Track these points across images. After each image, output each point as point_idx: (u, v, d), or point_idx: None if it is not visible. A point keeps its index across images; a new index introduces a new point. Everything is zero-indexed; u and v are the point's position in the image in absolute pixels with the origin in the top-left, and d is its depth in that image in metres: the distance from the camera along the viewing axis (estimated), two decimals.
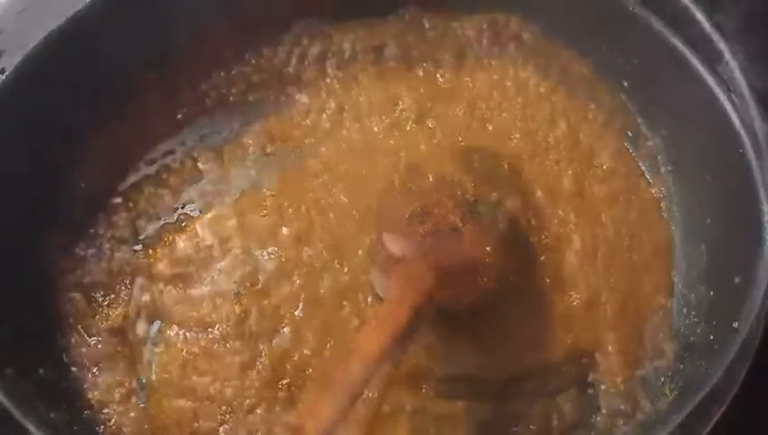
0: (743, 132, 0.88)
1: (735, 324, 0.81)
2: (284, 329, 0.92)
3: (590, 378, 0.93)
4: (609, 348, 0.94)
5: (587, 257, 0.99)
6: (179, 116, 1.07)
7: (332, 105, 1.09)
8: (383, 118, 1.07)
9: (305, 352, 0.91)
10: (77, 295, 0.94)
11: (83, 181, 1.01)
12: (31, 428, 0.72)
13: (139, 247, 0.98)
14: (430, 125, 1.07)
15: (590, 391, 0.91)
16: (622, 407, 0.90)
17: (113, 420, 0.87)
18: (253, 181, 1.03)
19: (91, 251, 0.97)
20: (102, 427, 0.86)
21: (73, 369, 0.90)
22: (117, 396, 0.89)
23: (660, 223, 1.03)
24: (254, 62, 1.11)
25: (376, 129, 1.07)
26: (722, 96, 0.91)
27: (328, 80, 1.11)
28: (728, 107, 0.90)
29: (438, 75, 1.12)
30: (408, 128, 1.07)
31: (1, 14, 0.98)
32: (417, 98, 1.09)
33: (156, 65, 1.08)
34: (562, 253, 0.99)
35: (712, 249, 0.94)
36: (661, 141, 1.05)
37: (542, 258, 0.98)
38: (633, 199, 1.04)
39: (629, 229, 1.01)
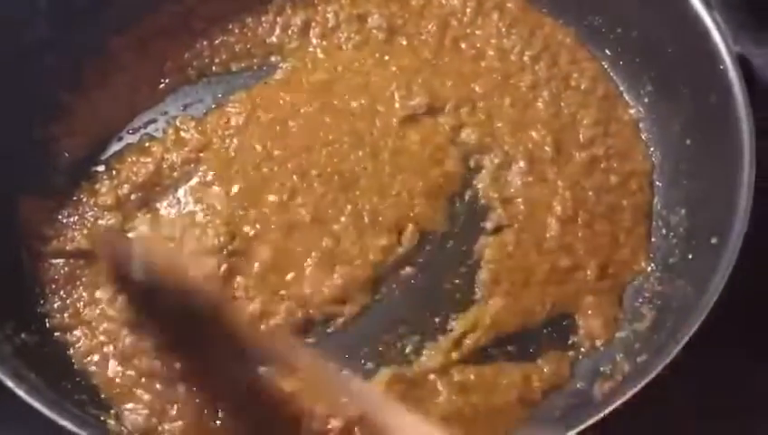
0: (723, 48, 0.91)
1: (714, 240, 0.84)
2: None
3: (571, 340, 0.93)
4: (590, 311, 0.95)
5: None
6: (162, 86, 1.07)
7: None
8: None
9: None
10: (60, 262, 0.94)
11: (66, 150, 1.01)
12: (11, 385, 0.73)
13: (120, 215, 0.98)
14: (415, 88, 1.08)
15: (571, 353, 0.92)
16: (602, 368, 0.91)
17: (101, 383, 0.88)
18: None
19: (73, 219, 0.97)
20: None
21: (56, 334, 0.90)
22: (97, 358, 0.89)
23: (640, 146, 1.04)
24: (237, 31, 1.12)
25: None
26: (703, 13, 0.94)
27: (311, 48, 1.11)
28: (709, 23, 0.93)
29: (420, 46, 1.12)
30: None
31: None
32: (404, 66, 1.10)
33: (138, 36, 1.09)
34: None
35: (691, 171, 0.97)
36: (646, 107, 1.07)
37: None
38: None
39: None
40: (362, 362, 0.89)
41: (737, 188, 0.85)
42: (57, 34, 1.03)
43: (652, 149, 1.05)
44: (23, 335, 0.85)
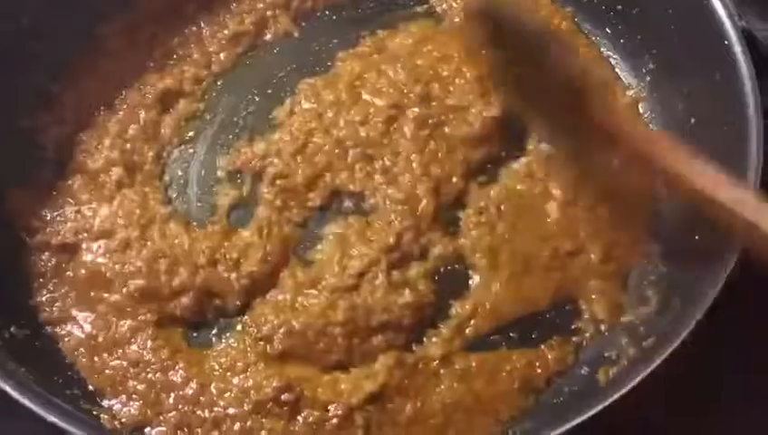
0: (728, 23, 0.89)
1: None
2: None
3: (574, 325, 0.91)
4: (593, 296, 0.93)
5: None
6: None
7: None
8: None
9: None
10: (47, 255, 0.92)
11: (53, 140, 0.99)
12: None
13: None
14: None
15: (575, 338, 0.90)
16: (606, 353, 0.89)
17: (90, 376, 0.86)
18: None
19: (59, 211, 0.94)
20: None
21: (47, 328, 0.88)
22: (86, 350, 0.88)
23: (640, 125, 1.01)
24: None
25: None
26: None
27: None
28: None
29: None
30: None
31: None
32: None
33: (127, 22, 1.07)
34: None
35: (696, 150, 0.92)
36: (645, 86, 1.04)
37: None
38: None
39: None
40: None
41: (745, 166, 0.82)
42: (43, 21, 1.00)
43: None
44: (12, 329, 0.83)
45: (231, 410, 0.84)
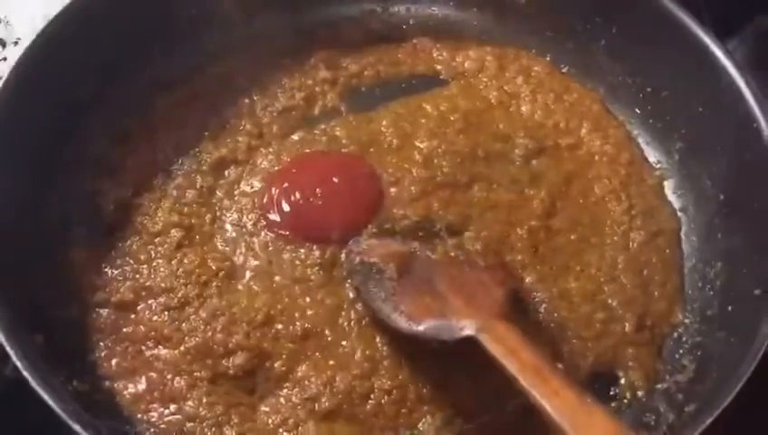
0: (756, 108, 0.94)
1: (757, 292, 0.85)
2: None
3: (612, 392, 0.94)
4: (629, 363, 0.96)
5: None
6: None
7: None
8: None
9: None
10: (105, 312, 0.95)
11: (113, 203, 1.03)
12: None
13: None
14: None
15: (613, 404, 0.93)
16: (645, 419, 0.91)
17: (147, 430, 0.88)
18: None
19: (119, 270, 0.98)
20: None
21: (105, 382, 0.91)
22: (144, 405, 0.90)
23: (665, 206, 1.07)
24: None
25: None
26: (735, 74, 0.97)
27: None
28: (741, 83, 0.96)
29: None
30: None
31: None
32: None
33: (183, 94, 1.13)
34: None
35: (726, 225, 0.99)
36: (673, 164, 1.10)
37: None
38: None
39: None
40: None
41: None
42: (106, 91, 1.06)
43: (683, 204, 1.07)
44: (75, 383, 0.85)
45: None
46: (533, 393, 0.76)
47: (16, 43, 1.20)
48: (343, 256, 0.98)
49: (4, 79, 0.94)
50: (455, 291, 0.89)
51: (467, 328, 0.84)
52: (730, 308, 0.93)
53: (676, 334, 0.98)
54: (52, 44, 0.99)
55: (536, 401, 0.76)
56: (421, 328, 0.87)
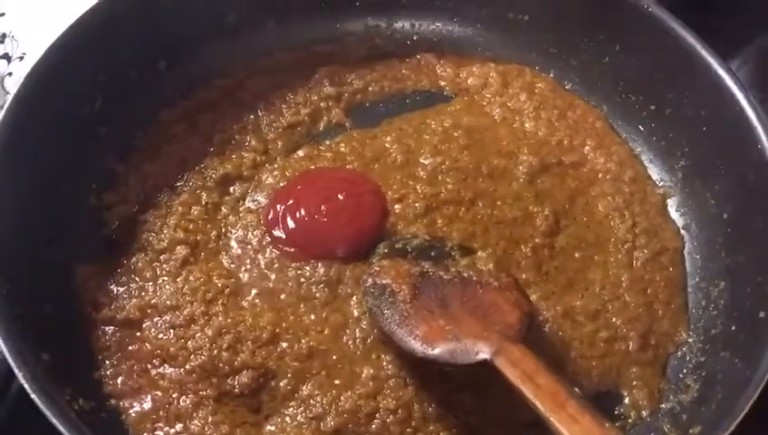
0: (760, 128, 0.95)
1: (762, 314, 0.86)
2: None
3: (616, 411, 0.94)
4: (633, 382, 0.96)
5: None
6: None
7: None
8: None
9: None
10: (111, 330, 0.95)
11: (118, 218, 1.03)
12: None
13: None
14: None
15: (618, 423, 0.93)
16: None
17: None
18: None
19: (124, 288, 0.98)
20: None
21: (111, 401, 0.91)
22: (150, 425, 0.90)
23: (668, 224, 1.08)
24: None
25: None
26: (739, 94, 0.97)
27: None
28: (745, 104, 0.97)
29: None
30: None
31: None
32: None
33: (188, 108, 1.13)
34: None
35: (730, 244, 0.99)
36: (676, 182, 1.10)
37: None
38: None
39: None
40: None
41: None
42: (111, 106, 1.06)
43: (687, 222, 1.08)
44: (80, 401, 0.85)
45: None
46: (551, 419, 0.76)
47: (22, 58, 1.21)
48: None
49: (11, 95, 0.94)
50: (469, 313, 0.89)
51: (483, 352, 0.84)
52: (734, 328, 0.94)
53: (680, 353, 0.99)
54: (60, 61, 0.98)
55: (554, 427, 0.76)
56: (435, 352, 0.86)
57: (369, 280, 0.95)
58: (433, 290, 0.93)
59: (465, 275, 0.95)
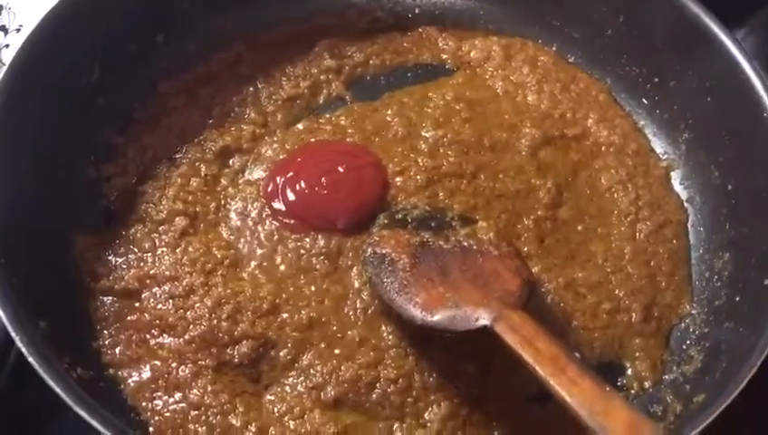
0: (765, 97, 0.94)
1: (767, 281, 0.85)
2: None
3: (619, 382, 0.94)
4: (636, 354, 0.96)
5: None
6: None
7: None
8: None
9: None
10: (109, 300, 0.95)
11: (117, 190, 1.03)
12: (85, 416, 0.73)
13: None
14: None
15: (621, 394, 0.92)
16: (652, 409, 0.91)
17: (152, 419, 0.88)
18: None
19: (123, 258, 0.98)
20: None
21: (109, 370, 0.90)
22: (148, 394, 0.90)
23: (671, 197, 1.07)
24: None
25: None
26: (744, 64, 0.96)
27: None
28: (750, 74, 0.96)
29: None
30: None
31: None
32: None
33: (187, 81, 1.12)
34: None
35: (734, 215, 0.98)
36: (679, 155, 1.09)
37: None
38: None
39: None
40: None
41: None
42: (109, 78, 1.05)
43: (690, 195, 1.07)
44: (79, 370, 0.85)
45: None
46: (551, 383, 0.76)
47: (18, 29, 1.19)
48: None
49: (7, 66, 0.93)
50: (468, 280, 0.89)
51: (482, 318, 0.83)
52: (738, 299, 0.93)
53: (683, 325, 0.98)
54: (54, 31, 0.98)
55: (554, 391, 0.75)
56: (435, 319, 0.86)
57: (369, 249, 0.94)
58: (433, 259, 0.92)
59: (465, 243, 0.95)
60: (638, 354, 0.96)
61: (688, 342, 0.96)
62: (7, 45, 1.18)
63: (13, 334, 0.77)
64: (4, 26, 1.20)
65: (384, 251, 0.93)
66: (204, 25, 1.14)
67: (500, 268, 0.90)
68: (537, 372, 0.77)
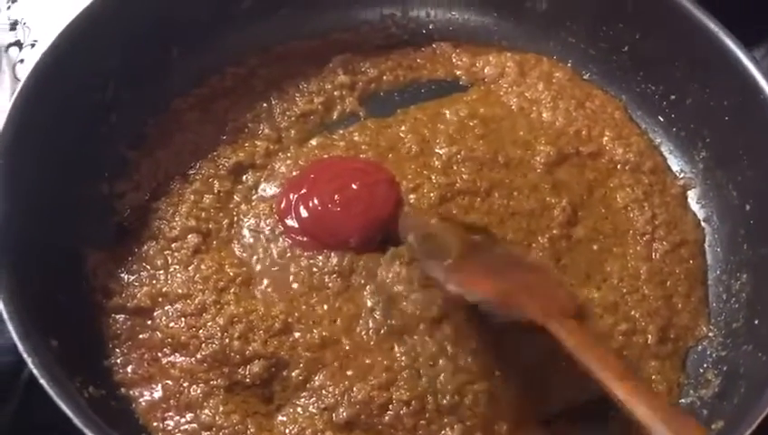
0: None
1: None
2: None
3: None
4: (652, 376, 0.94)
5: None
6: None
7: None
8: None
9: None
10: (122, 318, 0.94)
11: (130, 206, 1.02)
12: None
13: None
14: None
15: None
16: None
17: None
18: None
19: (135, 276, 0.97)
20: None
21: (121, 389, 0.90)
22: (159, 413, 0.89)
23: (688, 216, 1.06)
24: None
25: None
26: (763, 83, 0.96)
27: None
28: None
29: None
30: None
31: None
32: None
33: (201, 96, 1.12)
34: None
35: (752, 236, 0.97)
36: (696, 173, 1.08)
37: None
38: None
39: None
40: None
41: None
42: (124, 93, 1.05)
43: (707, 214, 1.05)
44: (90, 389, 0.84)
45: None
46: (618, 393, 0.75)
47: (33, 45, 1.20)
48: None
49: (22, 82, 0.93)
50: (520, 283, 0.88)
51: (532, 312, 0.82)
52: (756, 321, 0.92)
53: (700, 348, 0.97)
54: (70, 47, 0.97)
55: (623, 399, 0.74)
56: (483, 298, 0.84)
57: (419, 233, 0.93)
58: (485, 255, 0.91)
59: (516, 253, 0.94)
60: (654, 377, 0.94)
61: (705, 365, 0.95)
62: (22, 60, 1.19)
63: (25, 356, 0.76)
64: (19, 41, 1.20)
65: (434, 232, 0.92)
66: (218, 40, 1.14)
67: (551, 282, 0.90)
68: (601, 375, 0.76)
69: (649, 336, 0.97)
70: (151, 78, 1.09)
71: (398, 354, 0.92)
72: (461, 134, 1.10)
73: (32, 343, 0.78)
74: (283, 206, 1.02)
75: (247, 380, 0.90)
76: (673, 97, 1.10)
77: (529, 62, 1.19)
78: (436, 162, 1.07)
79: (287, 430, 0.88)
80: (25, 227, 0.89)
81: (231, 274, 0.96)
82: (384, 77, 1.17)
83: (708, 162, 1.06)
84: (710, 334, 0.97)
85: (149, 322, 0.94)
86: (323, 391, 0.90)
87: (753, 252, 0.97)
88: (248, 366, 0.90)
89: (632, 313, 0.98)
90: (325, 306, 0.95)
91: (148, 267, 0.98)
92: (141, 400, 0.89)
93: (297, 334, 0.93)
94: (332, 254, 0.98)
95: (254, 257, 0.99)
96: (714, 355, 0.95)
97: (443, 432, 0.88)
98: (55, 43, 0.97)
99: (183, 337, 0.92)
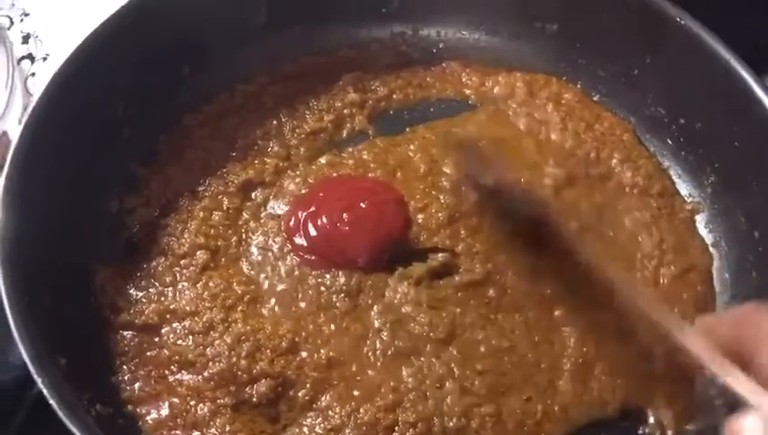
0: None
1: None
2: None
3: (641, 431, 0.92)
4: (659, 401, 0.94)
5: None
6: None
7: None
8: None
9: None
10: (129, 334, 0.95)
11: (139, 222, 1.02)
12: None
13: None
14: None
15: None
16: None
17: None
18: None
19: (144, 292, 0.97)
20: None
21: (128, 407, 0.90)
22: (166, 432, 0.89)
23: (696, 241, 1.06)
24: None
25: None
26: None
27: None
28: None
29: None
30: None
31: None
32: None
33: (211, 113, 1.13)
34: None
35: (761, 263, 0.98)
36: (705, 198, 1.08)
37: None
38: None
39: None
40: None
41: None
42: (135, 110, 1.06)
43: (716, 239, 1.05)
44: (98, 407, 0.84)
45: None
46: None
47: (45, 58, 1.20)
48: None
49: (35, 100, 0.94)
50: None
51: None
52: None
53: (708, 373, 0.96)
54: (83, 65, 0.98)
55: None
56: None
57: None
58: None
59: None
60: (661, 403, 0.94)
61: (713, 391, 0.94)
62: (33, 74, 1.19)
63: (34, 376, 0.76)
64: (31, 55, 1.21)
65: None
66: (230, 57, 1.14)
67: None
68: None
69: (657, 361, 0.96)
70: (162, 95, 1.09)
71: (404, 376, 0.92)
72: None
73: (42, 363, 0.78)
74: (291, 224, 1.02)
75: (254, 399, 0.89)
76: (682, 121, 1.10)
77: (538, 83, 1.19)
78: (445, 182, 1.07)
79: None
80: (35, 244, 0.89)
81: (239, 291, 0.96)
82: (394, 95, 1.17)
83: (717, 187, 1.06)
84: None
85: (157, 339, 0.94)
86: (330, 412, 0.90)
87: (762, 279, 0.97)
88: (255, 385, 0.90)
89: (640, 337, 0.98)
90: (332, 326, 0.95)
91: (157, 284, 0.98)
92: (148, 417, 0.89)
93: (304, 354, 0.93)
94: (340, 273, 0.99)
95: (262, 275, 0.99)
96: (722, 381, 0.94)
97: None
98: (69, 61, 0.97)
99: (190, 355, 0.92)
